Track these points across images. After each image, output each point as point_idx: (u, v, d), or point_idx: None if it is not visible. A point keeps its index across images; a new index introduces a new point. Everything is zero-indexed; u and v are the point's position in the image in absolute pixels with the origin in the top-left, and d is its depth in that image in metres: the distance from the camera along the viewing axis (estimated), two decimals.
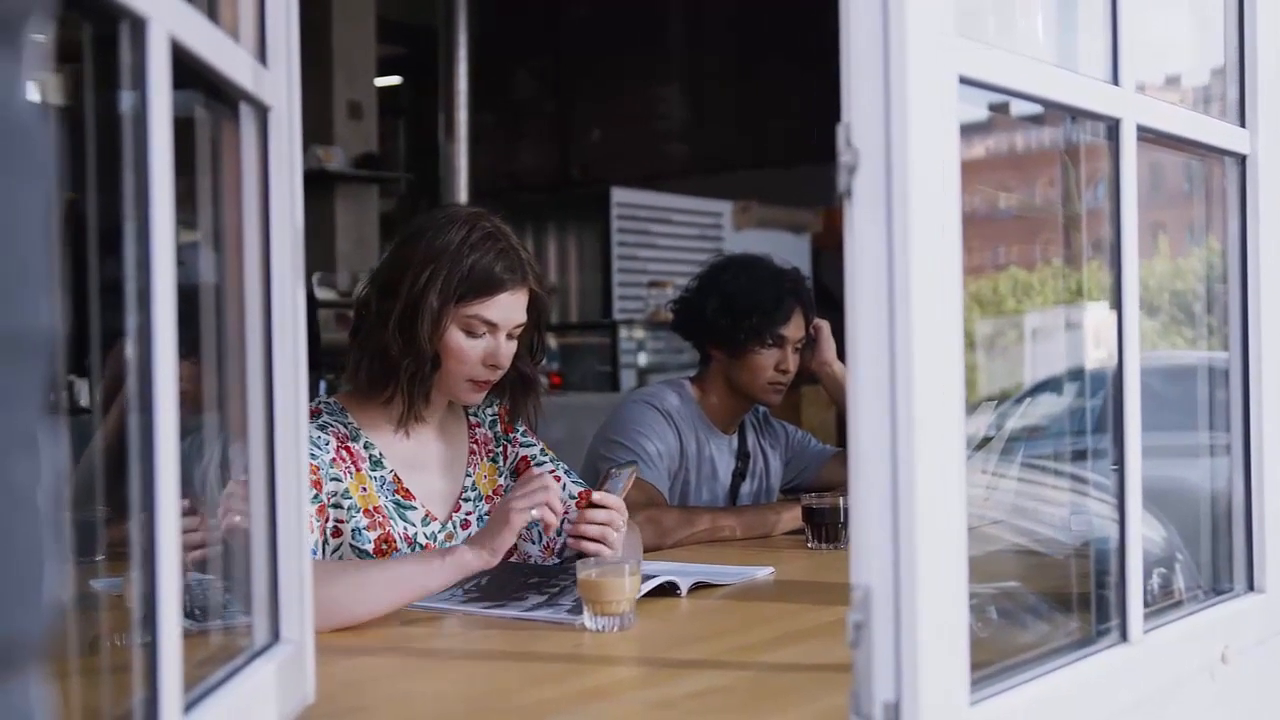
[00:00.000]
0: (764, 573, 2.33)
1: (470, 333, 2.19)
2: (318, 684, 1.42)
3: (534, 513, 1.98)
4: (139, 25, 0.98)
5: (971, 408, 1.25)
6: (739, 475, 3.10)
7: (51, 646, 0.61)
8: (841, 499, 2.63)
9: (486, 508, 2.33)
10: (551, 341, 7.58)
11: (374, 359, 2.20)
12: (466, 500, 2.33)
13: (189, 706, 1.07)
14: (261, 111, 1.33)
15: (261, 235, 1.34)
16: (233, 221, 1.33)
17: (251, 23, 1.33)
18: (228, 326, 1.33)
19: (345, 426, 2.21)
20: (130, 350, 0.99)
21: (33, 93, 0.60)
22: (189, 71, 1.10)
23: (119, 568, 1.34)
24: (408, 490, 2.23)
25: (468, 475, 2.34)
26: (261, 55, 1.33)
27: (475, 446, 2.37)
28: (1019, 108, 1.55)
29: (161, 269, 0.99)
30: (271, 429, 1.35)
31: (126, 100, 0.99)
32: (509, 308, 2.20)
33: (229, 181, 1.32)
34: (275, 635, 1.35)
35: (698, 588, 2.16)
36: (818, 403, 6.25)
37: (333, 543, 2.13)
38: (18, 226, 0.55)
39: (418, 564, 1.99)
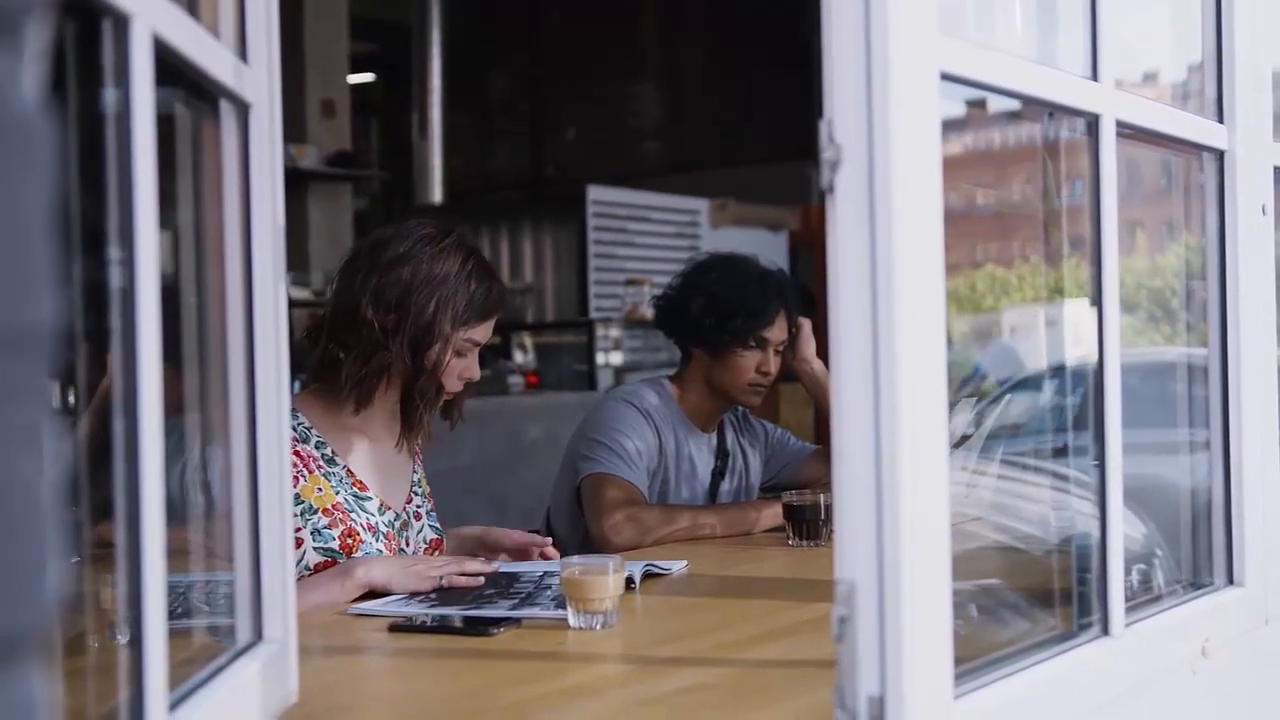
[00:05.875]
0: (678, 566, 2.35)
1: (460, 353, 2.27)
2: (301, 683, 1.42)
3: (444, 581, 2.10)
4: (122, 22, 0.97)
5: (950, 405, 1.25)
6: (718, 474, 3.09)
7: (50, 642, 0.61)
8: (822, 496, 2.63)
9: (430, 505, 2.43)
10: (527, 340, 7.57)
11: (375, 375, 2.23)
12: (416, 494, 2.41)
13: (173, 705, 1.07)
14: (243, 109, 1.32)
15: (243, 234, 1.33)
16: (213, 220, 1.32)
17: (232, 19, 1.32)
18: (208, 327, 1.33)
19: (294, 429, 2.21)
20: (114, 351, 0.99)
21: (33, 89, 0.60)
22: (169, 68, 1.09)
23: (98, 569, 1.33)
24: (361, 482, 2.28)
25: (415, 472, 2.42)
26: (242, 52, 1.33)
27: (417, 448, 2.45)
28: (995, 104, 1.56)
29: (145, 268, 0.99)
30: (254, 429, 1.34)
31: (109, 97, 0.99)
32: (491, 328, 2.32)
33: (209, 180, 1.32)
34: (258, 634, 1.35)
35: (647, 577, 2.20)
36: (795, 400, 6.26)
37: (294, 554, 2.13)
38: (21, 222, 0.55)
39: (324, 591, 2.06)
